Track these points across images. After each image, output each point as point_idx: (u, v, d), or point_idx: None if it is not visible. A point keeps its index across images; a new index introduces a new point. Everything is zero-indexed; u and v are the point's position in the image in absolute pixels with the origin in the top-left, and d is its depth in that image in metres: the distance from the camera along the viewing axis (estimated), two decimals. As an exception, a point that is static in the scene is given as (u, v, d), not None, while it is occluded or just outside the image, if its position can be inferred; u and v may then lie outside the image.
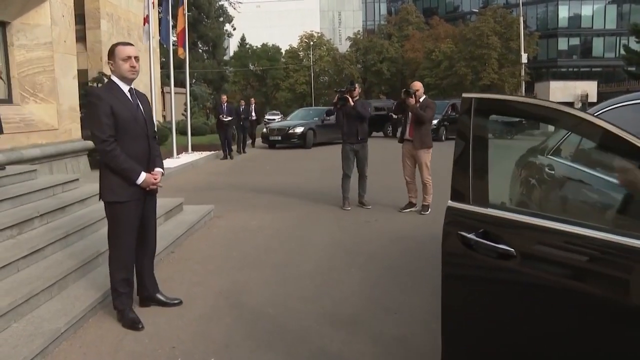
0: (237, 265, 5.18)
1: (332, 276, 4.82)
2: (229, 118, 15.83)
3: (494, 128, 2.52)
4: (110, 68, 3.63)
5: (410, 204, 7.76)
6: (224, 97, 16.93)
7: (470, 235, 2.23)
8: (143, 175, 3.61)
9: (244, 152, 17.60)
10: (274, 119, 45.39)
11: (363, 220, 7.20)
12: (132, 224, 3.66)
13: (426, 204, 7.60)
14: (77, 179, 6.25)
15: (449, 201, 2.36)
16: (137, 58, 3.64)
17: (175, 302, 4.07)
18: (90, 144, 11.51)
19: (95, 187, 6.27)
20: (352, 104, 7.94)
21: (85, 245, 4.73)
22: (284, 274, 4.89)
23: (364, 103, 8.31)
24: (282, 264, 5.21)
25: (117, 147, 3.50)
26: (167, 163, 11.17)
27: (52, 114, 10.14)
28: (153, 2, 13.54)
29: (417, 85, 7.75)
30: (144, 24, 13.25)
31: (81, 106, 12.17)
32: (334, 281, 4.68)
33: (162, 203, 6.82)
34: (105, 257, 4.67)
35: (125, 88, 3.65)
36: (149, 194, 3.75)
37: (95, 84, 15.28)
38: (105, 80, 14.86)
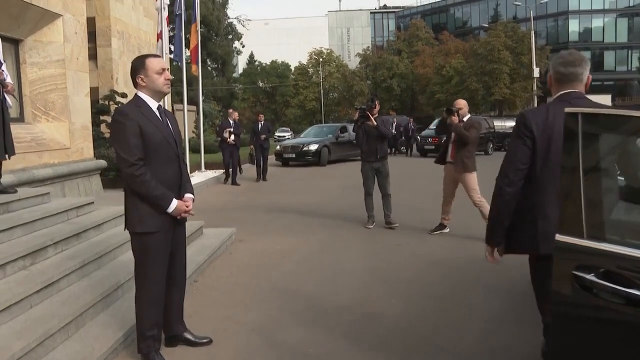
0: (266, 296, 4.76)
1: (373, 309, 4.39)
2: (231, 136, 13.53)
3: (610, 145, 2.11)
4: (139, 83, 3.25)
5: (441, 226, 7.31)
6: (235, 114, 14.74)
7: (589, 277, 1.83)
8: (175, 203, 3.23)
9: (264, 179, 14.55)
10: (284, 136, 45.26)
11: (393, 243, 6.78)
12: (162, 256, 3.27)
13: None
14: (92, 202, 5.88)
15: (557, 234, 1.96)
16: (168, 70, 3.30)
17: (205, 341, 3.66)
18: (103, 163, 11.19)
19: (111, 210, 5.95)
20: (374, 122, 7.63)
21: (104, 276, 4.34)
22: (320, 306, 4.47)
23: (384, 121, 7.96)
24: (315, 295, 4.79)
25: (147, 171, 3.12)
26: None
27: (64, 133, 9.83)
28: (167, 19, 13.29)
29: (461, 103, 7.15)
30: (157, 40, 12.99)
31: (93, 124, 11.90)
32: (376, 315, 4.25)
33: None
34: (125, 289, 4.31)
35: (154, 105, 3.29)
36: (178, 223, 3.37)
37: (106, 102, 15.06)
38: (119, 98, 14.74)
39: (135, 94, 3.32)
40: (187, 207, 3.33)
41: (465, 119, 6.97)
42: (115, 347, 3.43)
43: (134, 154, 3.10)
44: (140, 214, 3.20)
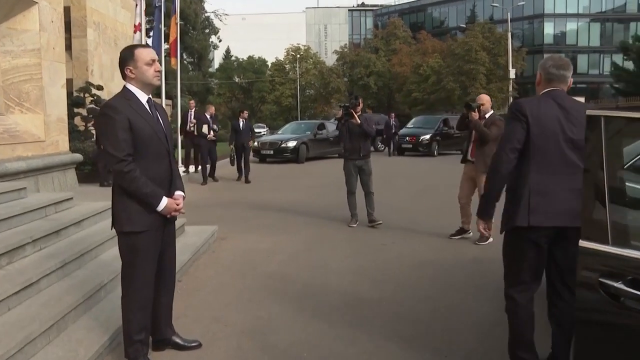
0: (254, 296, 4.63)
1: (365, 311, 4.29)
2: (211, 132, 12.83)
3: (635, 149, 2.04)
4: (128, 75, 3.09)
5: (462, 230, 6.89)
6: (212, 108, 14.10)
7: (617, 285, 1.75)
8: (165, 201, 3.07)
9: (246, 180, 13.13)
10: (260, 132, 44.91)
11: (378, 242, 6.69)
12: (151, 257, 3.11)
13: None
14: (71, 198, 5.66)
15: (581, 240, 1.88)
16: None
17: (194, 344, 3.52)
18: (78, 157, 10.87)
19: (91, 206, 5.73)
20: (358, 121, 7.57)
21: (86, 276, 4.16)
22: (310, 308, 4.36)
23: (368, 119, 7.88)
24: (304, 295, 4.67)
25: (136, 167, 2.96)
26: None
27: (38, 125, 9.50)
28: (145, 11, 12.97)
29: (484, 98, 6.77)
30: (135, 33, 12.67)
31: (68, 117, 11.57)
32: (369, 317, 4.15)
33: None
34: (108, 289, 4.15)
35: (143, 98, 3.12)
36: (168, 222, 3.21)
37: (81, 94, 14.67)
38: (94, 90, 14.38)
39: (124, 86, 3.15)
40: (177, 205, 3.18)
41: (487, 115, 6.62)
42: (100, 352, 3.26)
43: (123, 149, 2.94)
44: (129, 212, 3.04)
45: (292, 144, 18.89)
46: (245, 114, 13.86)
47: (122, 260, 3.14)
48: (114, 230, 3.16)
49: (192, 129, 13.30)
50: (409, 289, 4.85)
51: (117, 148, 2.93)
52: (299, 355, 3.46)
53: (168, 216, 3.14)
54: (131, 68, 3.07)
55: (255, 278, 5.18)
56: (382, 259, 5.96)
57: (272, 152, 18.97)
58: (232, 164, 13.58)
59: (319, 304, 4.44)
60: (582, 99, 35.63)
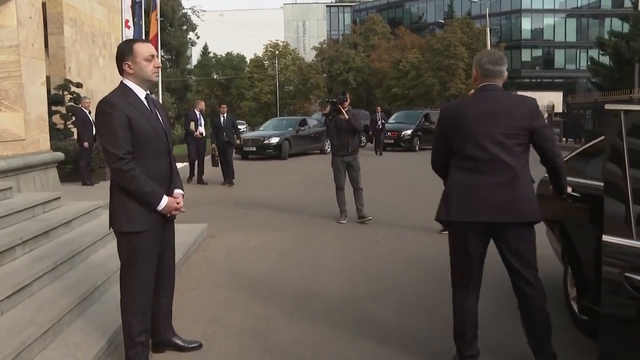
0: (250, 296, 4.57)
1: (363, 308, 4.26)
2: (198, 129, 12.22)
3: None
4: (126, 70, 2.99)
5: None
6: (201, 103, 13.51)
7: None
8: (165, 200, 2.99)
9: (231, 183, 12.01)
10: (240, 129, 44.66)
11: (369, 239, 6.67)
12: (151, 257, 3.03)
13: None
14: (59, 197, 5.53)
15: (604, 235, 1.86)
16: None
17: (194, 345, 3.45)
18: (60, 155, 10.66)
19: (80, 206, 5.61)
20: (346, 116, 7.53)
21: (78, 278, 4.05)
22: (307, 306, 4.31)
23: (355, 115, 7.85)
24: (301, 294, 4.62)
25: (136, 165, 2.88)
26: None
27: (18, 124, 9.26)
28: (131, 7, 12.76)
29: None
30: (128, 28, 12.47)
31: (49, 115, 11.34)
32: (368, 315, 4.12)
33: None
34: (102, 291, 4.06)
35: (141, 94, 3.03)
36: (167, 221, 3.14)
37: (60, 92, 14.39)
38: (74, 88, 14.10)
39: (121, 81, 3.06)
40: (177, 204, 3.11)
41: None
42: (99, 356, 3.18)
43: (122, 147, 2.85)
44: (128, 211, 2.95)
45: (274, 140, 18.77)
46: (224, 108, 12.65)
47: (121, 262, 3.06)
48: (107, 230, 3.08)
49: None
50: (405, 286, 4.83)
51: (116, 146, 2.84)
52: (301, 355, 3.41)
53: (168, 215, 3.06)
54: (129, 63, 2.98)
55: (249, 277, 5.11)
56: (374, 255, 5.94)
57: (254, 148, 18.80)
58: (214, 164, 12.19)
59: (316, 303, 4.39)
60: (560, 95, 35.91)
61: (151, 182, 2.93)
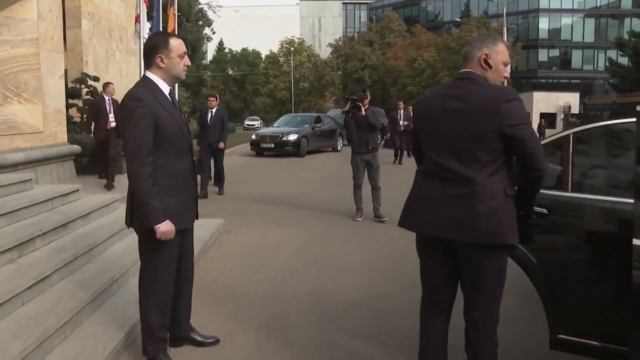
0: (267, 292, 4.55)
1: (381, 306, 4.23)
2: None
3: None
4: (157, 64, 2.90)
5: None
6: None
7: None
8: (166, 224, 2.83)
9: (220, 192, 10.10)
10: (254, 125, 44.71)
11: (385, 237, 6.64)
12: (174, 254, 3.01)
13: None
14: (77, 190, 5.55)
15: (634, 240, 1.81)
16: None
17: (212, 340, 3.44)
18: (77, 148, 10.73)
19: (97, 199, 5.63)
20: (364, 113, 7.49)
21: (97, 271, 4.07)
22: (325, 304, 4.29)
23: (375, 112, 7.80)
24: (318, 291, 4.60)
25: (152, 175, 2.79)
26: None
27: (37, 116, 9.34)
28: (146, 2, 12.80)
29: None
30: (136, 24, 12.51)
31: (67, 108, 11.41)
32: (386, 313, 4.10)
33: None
34: (120, 284, 4.07)
35: (166, 90, 2.95)
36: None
37: (77, 86, 14.47)
38: (91, 81, 14.17)
39: (145, 75, 2.98)
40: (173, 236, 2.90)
41: None
42: (118, 348, 3.18)
43: (146, 147, 2.77)
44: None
45: (293, 137, 18.53)
46: (214, 101, 9.99)
47: (143, 258, 3.04)
48: (126, 225, 3.05)
49: None
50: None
51: (139, 145, 2.76)
52: (320, 352, 3.39)
53: (158, 237, 2.84)
54: (163, 57, 2.88)
55: (266, 273, 5.10)
56: (390, 253, 5.90)
57: (272, 145, 18.60)
58: (198, 172, 9.74)
59: (333, 300, 4.37)
60: (576, 95, 35.46)
61: (158, 200, 2.81)
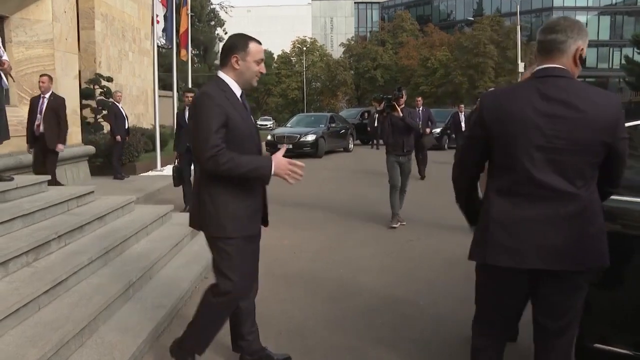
0: (287, 296, 4.47)
1: (403, 311, 4.13)
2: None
3: None
4: (231, 64, 2.72)
5: None
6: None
7: None
8: (273, 159, 2.64)
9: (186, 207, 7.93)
10: (266, 125, 44.65)
11: (404, 239, 6.53)
12: (254, 262, 2.98)
13: None
14: (92, 192, 5.50)
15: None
16: None
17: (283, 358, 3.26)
18: (91, 149, 10.74)
19: (112, 200, 5.56)
20: (400, 113, 7.23)
21: (113, 274, 4.00)
22: (345, 308, 4.20)
23: (412, 112, 7.59)
24: (337, 295, 4.50)
25: (230, 152, 2.58)
26: (169, 170, 9.91)
27: (52, 117, 9.35)
28: (163, 2, 12.79)
29: None
30: (156, 24, 12.51)
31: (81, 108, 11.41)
32: (406, 318, 3.99)
33: (185, 220, 6.11)
34: (136, 288, 4.00)
35: (238, 92, 2.76)
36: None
37: (91, 86, 14.48)
38: (104, 82, 14.17)
39: (217, 75, 2.78)
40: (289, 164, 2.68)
41: None
42: (135, 355, 3.11)
43: (217, 144, 2.55)
44: (237, 214, 2.74)
45: (311, 137, 18.16)
46: (192, 97, 7.60)
47: (217, 269, 2.88)
48: (140, 225, 2.97)
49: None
50: (444, 289, 4.68)
51: (211, 140, 2.54)
52: (341, 358, 3.30)
53: (286, 176, 2.68)
54: (239, 58, 2.71)
55: (284, 276, 5.01)
56: (410, 256, 5.80)
57: (290, 146, 18.19)
58: (175, 183, 8.01)
59: (353, 305, 4.28)
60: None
61: (249, 157, 2.66)
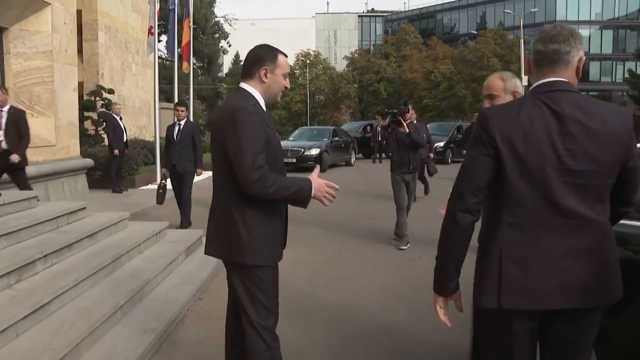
0: (282, 317, 4.21)
1: (403, 337, 3.93)
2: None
3: None
4: (259, 77, 2.53)
5: None
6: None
7: None
8: (313, 181, 2.52)
9: (182, 224, 7.71)
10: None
11: (406, 257, 6.34)
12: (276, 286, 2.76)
13: None
14: (84, 208, 5.32)
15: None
16: None
17: None
18: (89, 162, 10.59)
19: (106, 217, 5.38)
20: (406, 129, 6.93)
21: (100, 297, 3.81)
22: (343, 332, 4.00)
23: (418, 128, 7.36)
24: (335, 318, 4.31)
25: (271, 174, 2.39)
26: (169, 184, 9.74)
27: (49, 129, 9.24)
28: (159, 14, 12.70)
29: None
30: (149, 36, 12.41)
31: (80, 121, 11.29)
32: (409, 345, 3.79)
33: (181, 237, 5.96)
34: (125, 311, 3.80)
35: (264, 106, 2.57)
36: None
37: (92, 98, 14.38)
38: (106, 94, 14.05)
39: (242, 87, 2.56)
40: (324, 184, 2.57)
41: None
42: (118, 387, 2.92)
43: (262, 162, 2.36)
44: (272, 240, 2.60)
45: (315, 151, 17.97)
46: (183, 112, 8.04)
47: (244, 300, 2.67)
48: (133, 243, 2.79)
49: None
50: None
51: (256, 162, 2.33)
52: (339, 392, 3.11)
53: (324, 200, 2.61)
54: (268, 70, 2.53)
55: (280, 296, 4.79)
56: (412, 275, 5.59)
57: (294, 160, 17.58)
58: (159, 200, 7.77)
59: (351, 329, 4.08)
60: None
61: (289, 178, 2.52)
